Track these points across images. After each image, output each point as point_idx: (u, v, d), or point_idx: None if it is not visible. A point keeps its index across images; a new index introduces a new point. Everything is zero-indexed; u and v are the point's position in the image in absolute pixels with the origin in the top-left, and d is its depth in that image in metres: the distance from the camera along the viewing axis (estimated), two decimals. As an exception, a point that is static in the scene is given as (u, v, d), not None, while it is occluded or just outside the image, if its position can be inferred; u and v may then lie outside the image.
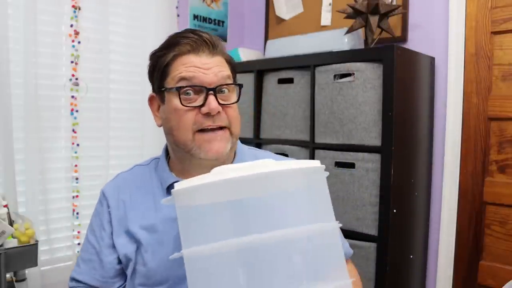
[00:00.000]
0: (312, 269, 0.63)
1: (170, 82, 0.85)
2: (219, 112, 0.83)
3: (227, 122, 0.85)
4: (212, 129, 0.84)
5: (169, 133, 0.88)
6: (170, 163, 0.94)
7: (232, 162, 0.92)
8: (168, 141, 0.91)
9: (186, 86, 0.83)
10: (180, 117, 0.84)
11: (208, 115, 0.83)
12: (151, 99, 0.92)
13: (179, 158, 0.91)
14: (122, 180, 0.97)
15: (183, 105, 0.83)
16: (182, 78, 0.83)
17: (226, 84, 0.86)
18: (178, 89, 0.83)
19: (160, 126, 0.91)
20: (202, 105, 0.83)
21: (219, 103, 0.83)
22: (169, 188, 0.89)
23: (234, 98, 0.88)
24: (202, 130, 0.84)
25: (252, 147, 1.02)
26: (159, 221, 0.87)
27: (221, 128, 0.85)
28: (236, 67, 0.93)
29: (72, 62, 1.88)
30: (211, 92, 0.83)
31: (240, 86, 0.89)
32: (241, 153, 0.95)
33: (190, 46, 0.85)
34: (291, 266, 0.62)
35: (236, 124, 0.87)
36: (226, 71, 0.87)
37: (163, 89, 0.86)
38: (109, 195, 0.94)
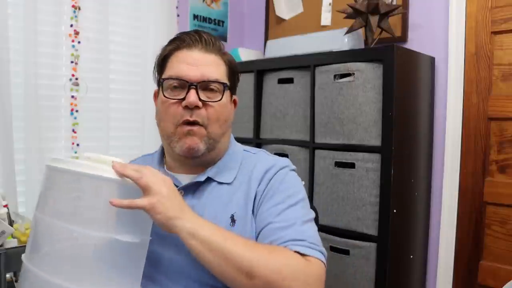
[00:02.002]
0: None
1: (164, 76, 0.90)
2: (198, 107, 0.85)
3: (204, 120, 0.86)
4: (189, 123, 0.86)
5: (158, 124, 0.92)
6: (165, 156, 0.98)
7: (218, 161, 0.93)
8: (159, 134, 0.94)
9: (169, 78, 0.87)
10: (165, 109, 0.87)
11: (187, 108, 0.85)
12: (155, 95, 0.96)
13: (167, 151, 0.95)
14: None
15: (165, 97, 0.87)
16: (172, 72, 0.87)
17: (210, 81, 0.87)
18: (163, 80, 0.88)
19: (156, 119, 0.95)
20: (184, 99, 0.86)
21: (200, 99, 0.85)
22: None
23: (223, 97, 0.89)
24: (183, 124, 0.86)
25: (251, 148, 1.01)
26: None
27: (197, 123, 0.86)
28: (236, 70, 0.94)
29: (72, 62, 1.88)
30: (193, 86, 0.85)
31: (224, 85, 0.89)
32: (231, 154, 0.95)
33: (185, 42, 0.89)
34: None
35: (214, 125, 0.88)
36: (217, 69, 0.88)
37: (158, 82, 0.92)
38: None
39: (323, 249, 0.83)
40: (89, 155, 0.80)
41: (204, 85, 0.86)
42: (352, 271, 1.68)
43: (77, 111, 1.90)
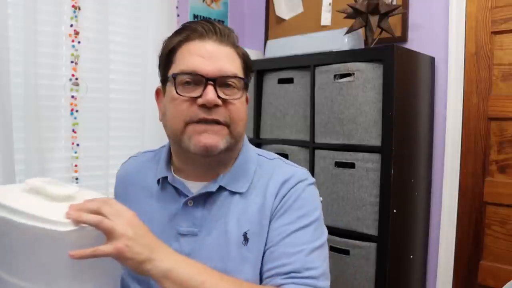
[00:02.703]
0: None
1: (173, 70, 0.79)
2: (217, 105, 0.75)
3: (227, 120, 0.77)
4: (206, 121, 0.76)
5: (165, 125, 0.82)
6: (172, 158, 0.89)
7: (232, 166, 0.84)
8: (167, 135, 0.84)
9: (182, 73, 0.76)
10: (175, 107, 0.77)
11: (204, 106, 0.75)
12: (157, 93, 0.87)
13: (175, 153, 0.85)
14: (127, 166, 0.97)
15: (178, 93, 0.76)
16: (183, 67, 0.77)
17: (229, 77, 0.77)
18: (175, 76, 0.77)
19: (161, 120, 0.85)
20: (200, 96, 0.75)
21: (219, 97, 0.75)
22: (159, 181, 0.86)
23: (242, 95, 0.80)
24: (195, 122, 0.76)
25: (265, 153, 0.90)
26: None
27: (218, 123, 0.76)
28: (250, 65, 0.84)
29: (72, 62, 1.88)
30: (211, 82, 0.75)
31: (245, 80, 0.80)
32: (245, 159, 0.85)
33: (197, 32, 0.78)
34: None
35: (237, 124, 0.79)
36: (234, 64, 0.79)
37: (165, 77, 0.81)
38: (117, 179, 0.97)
39: (325, 283, 0.76)
40: (33, 184, 0.69)
41: (222, 81, 0.76)
42: (352, 271, 1.68)
43: (77, 111, 1.90)
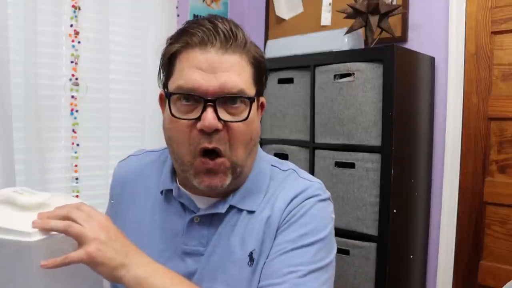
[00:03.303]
0: None
1: (172, 84, 0.70)
2: (218, 130, 0.67)
3: (226, 147, 0.68)
4: (212, 159, 0.69)
5: (168, 143, 0.74)
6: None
7: (244, 183, 0.76)
8: (170, 154, 0.76)
9: (177, 93, 0.68)
10: (176, 130, 0.69)
11: (203, 132, 0.67)
12: (161, 98, 0.78)
13: (179, 170, 0.76)
14: (129, 165, 0.90)
15: (173, 115, 0.68)
16: (181, 82, 0.68)
17: (232, 96, 0.67)
18: (169, 95, 0.69)
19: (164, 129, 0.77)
20: (199, 118, 0.67)
21: (219, 118, 0.66)
22: (162, 192, 0.80)
23: (246, 114, 0.68)
24: (204, 154, 0.69)
25: (280, 163, 0.82)
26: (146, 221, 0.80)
27: (218, 153, 0.68)
28: (264, 66, 0.75)
29: (72, 62, 1.88)
30: (210, 104, 0.66)
31: (251, 99, 0.69)
32: (258, 174, 0.77)
33: (198, 38, 0.67)
34: None
35: (238, 150, 0.69)
36: (241, 76, 0.68)
37: (166, 90, 0.73)
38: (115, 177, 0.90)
39: None
40: (3, 195, 0.66)
41: (224, 100, 0.67)
42: (352, 271, 1.68)
43: (77, 111, 1.90)
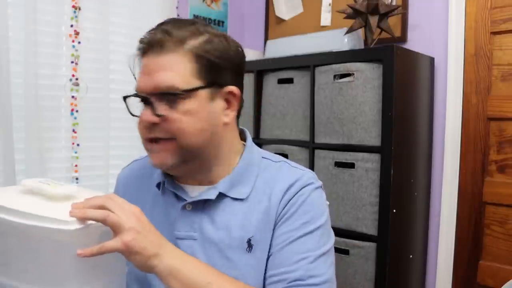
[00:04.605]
0: None
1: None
2: (156, 123, 0.74)
3: (170, 134, 0.74)
4: (150, 140, 0.76)
5: None
6: None
7: (232, 170, 0.81)
8: None
9: (129, 96, 0.78)
10: (137, 126, 0.79)
11: (145, 125, 0.75)
12: None
13: None
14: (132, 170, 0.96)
15: (131, 114, 0.79)
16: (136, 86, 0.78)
17: (163, 92, 0.73)
18: (126, 97, 0.79)
19: None
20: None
21: (156, 113, 0.73)
22: (159, 186, 0.85)
23: (187, 105, 0.73)
24: (145, 140, 0.78)
25: (271, 156, 0.86)
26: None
27: (159, 139, 0.75)
28: (219, 55, 0.76)
29: (72, 62, 1.88)
30: (146, 102, 0.74)
31: (179, 94, 0.73)
32: (246, 163, 0.82)
33: (142, 46, 0.77)
34: None
35: (184, 136, 0.73)
36: (174, 73, 0.73)
37: None
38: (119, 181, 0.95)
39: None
40: (30, 185, 0.67)
41: (159, 97, 0.74)
42: (352, 271, 1.69)
43: (77, 111, 1.90)
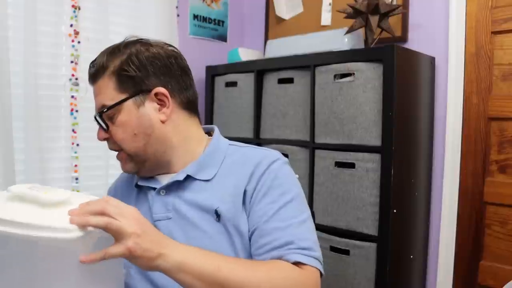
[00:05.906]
0: None
1: None
2: (108, 138, 0.87)
3: (117, 146, 0.87)
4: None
5: None
6: None
7: (198, 156, 0.89)
8: None
9: (95, 117, 0.89)
10: None
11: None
12: None
13: None
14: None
15: (104, 129, 0.89)
16: None
17: (100, 113, 0.86)
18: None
19: None
20: None
21: (105, 130, 0.86)
22: (136, 185, 0.93)
23: (120, 117, 0.84)
24: None
25: (238, 143, 0.94)
26: None
27: (117, 150, 0.88)
28: (130, 66, 0.85)
29: (72, 62, 1.88)
30: (96, 122, 0.86)
31: (111, 108, 0.84)
32: (212, 151, 0.90)
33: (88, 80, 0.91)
34: None
35: (125, 144, 0.86)
36: (105, 94, 0.86)
37: None
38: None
39: (319, 253, 0.80)
40: (21, 192, 0.64)
41: (101, 116, 0.86)
42: (352, 271, 1.68)
43: (77, 111, 1.90)
